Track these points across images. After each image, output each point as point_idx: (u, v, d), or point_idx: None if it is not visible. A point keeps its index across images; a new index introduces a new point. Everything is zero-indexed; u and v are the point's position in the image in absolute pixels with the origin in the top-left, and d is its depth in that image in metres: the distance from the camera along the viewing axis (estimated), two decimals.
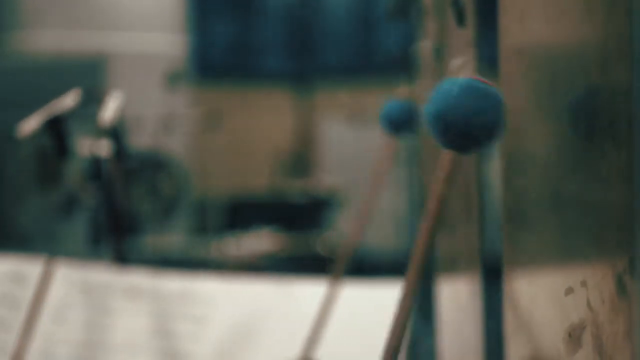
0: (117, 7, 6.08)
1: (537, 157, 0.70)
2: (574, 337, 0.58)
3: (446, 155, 0.62)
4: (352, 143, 6.30)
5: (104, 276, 1.51)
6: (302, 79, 6.83)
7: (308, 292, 1.43)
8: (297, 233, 5.44)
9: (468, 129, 0.59)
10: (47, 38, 5.88)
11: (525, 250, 0.72)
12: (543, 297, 0.64)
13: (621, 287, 0.52)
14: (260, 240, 5.31)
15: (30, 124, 1.46)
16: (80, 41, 5.87)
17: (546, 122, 0.67)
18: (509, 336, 0.70)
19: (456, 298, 1.05)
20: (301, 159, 6.75)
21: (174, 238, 5.72)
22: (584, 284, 0.57)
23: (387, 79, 5.11)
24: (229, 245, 5.31)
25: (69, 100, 1.49)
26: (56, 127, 1.47)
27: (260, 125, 6.80)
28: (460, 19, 0.92)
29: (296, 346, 1.39)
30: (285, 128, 6.84)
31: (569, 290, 0.59)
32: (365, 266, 3.68)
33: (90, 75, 5.18)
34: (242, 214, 6.01)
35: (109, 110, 1.48)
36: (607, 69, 0.53)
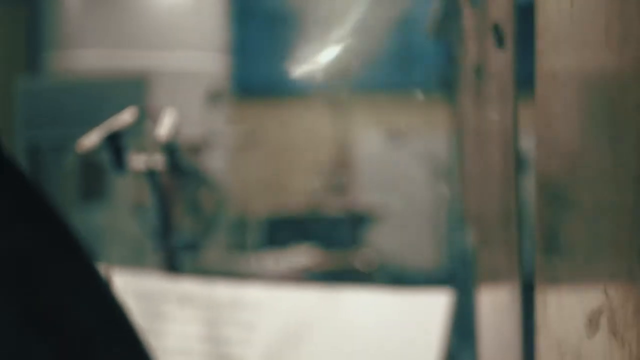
0: (160, 26, 6.20)
1: (568, 176, 0.77)
2: (593, 321, 0.67)
3: None
4: (389, 160, 6.36)
5: (158, 284, 1.59)
6: (341, 97, 6.90)
7: (352, 299, 1.50)
8: (335, 249, 5.50)
9: None
10: (91, 57, 6.01)
11: (555, 261, 0.79)
12: (567, 292, 0.72)
13: (631, 275, 0.62)
14: (298, 256, 5.38)
15: (91, 140, 1.55)
16: (124, 60, 5.99)
17: (578, 141, 0.74)
18: (539, 330, 0.78)
19: (496, 304, 1.12)
20: (339, 177, 6.82)
21: (213, 254, 5.80)
22: (601, 275, 0.66)
23: (426, 97, 5.17)
24: (267, 261, 5.38)
25: (126, 116, 1.57)
26: (114, 143, 1.55)
27: (298, 143, 6.89)
28: (500, 41, 0.99)
29: (341, 351, 1.45)
30: (323, 146, 6.91)
31: (588, 282, 0.68)
32: (405, 281, 3.73)
33: (133, 93, 5.28)
34: (280, 230, 6.08)
35: (164, 126, 1.56)
36: (625, 89, 0.61)
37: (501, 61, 0.97)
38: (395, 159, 6.26)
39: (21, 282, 0.46)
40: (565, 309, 0.73)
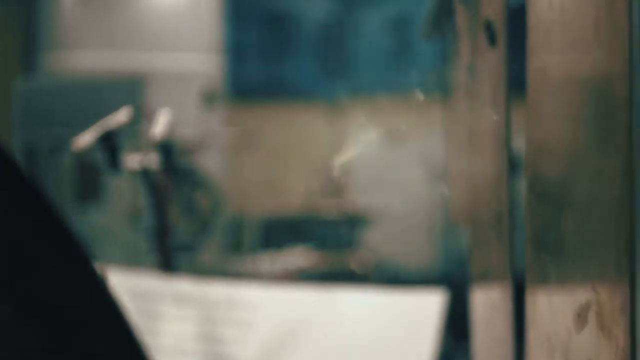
0: (155, 27, 6.20)
1: (558, 173, 0.77)
2: (581, 316, 0.67)
3: None
4: (386, 162, 6.36)
5: (153, 283, 1.60)
6: (336, 99, 6.91)
7: (347, 299, 1.50)
8: (331, 250, 5.51)
9: None
10: (87, 58, 6.01)
11: (545, 259, 0.79)
12: (557, 289, 0.73)
13: (618, 270, 0.63)
14: (294, 258, 5.39)
15: (85, 139, 1.55)
16: (120, 61, 5.99)
17: (569, 139, 0.75)
18: (529, 326, 0.78)
19: (489, 303, 1.13)
20: (334, 178, 6.83)
21: (208, 255, 5.80)
22: (589, 271, 0.67)
23: (423, 98, 5.17)
24: (263, 263, 5.39)
25: (121, 116, 1.57)
26: (109, 142, 1.56)
27: (294, 145, 6.89)
28: (492, 39, 0.99)
29: (336, 350, 1.46)
30: (319, 147, 6.92)
31: (577, 278, 0.68)
32: (400, 282, 3.74)
33: (129, 94, 5.29)
34: (276, 231, 6.09)
35: (160, 125, 1.56)
36: (612, 84, 0.62)
37: (493, 59, 0.97)
38: (392, 160, 6.27)
39: (16, 275, 0.47)
40: (554, 305, 0.74)
